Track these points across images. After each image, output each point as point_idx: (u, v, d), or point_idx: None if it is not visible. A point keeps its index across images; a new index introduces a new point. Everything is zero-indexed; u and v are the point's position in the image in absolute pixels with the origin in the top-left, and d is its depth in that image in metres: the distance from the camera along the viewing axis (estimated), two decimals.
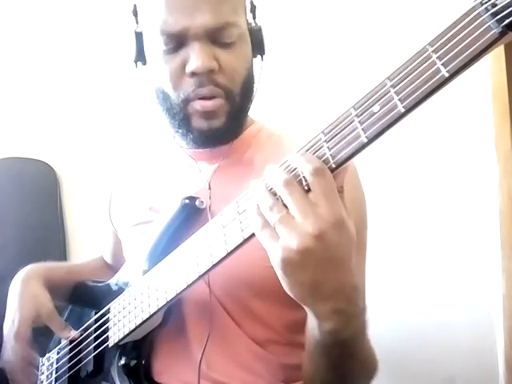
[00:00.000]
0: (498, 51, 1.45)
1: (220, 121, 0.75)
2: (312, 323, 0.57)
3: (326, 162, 0.49)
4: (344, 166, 0.49)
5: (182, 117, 0.76)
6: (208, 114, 0.74)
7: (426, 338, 1.48)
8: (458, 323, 1.46)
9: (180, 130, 0.78)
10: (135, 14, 0.80)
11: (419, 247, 1.50)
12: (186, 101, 0.74)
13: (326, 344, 0.58)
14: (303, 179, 0.49)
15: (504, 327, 1.41)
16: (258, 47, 0.79)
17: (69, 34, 1.90)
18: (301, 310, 0.80)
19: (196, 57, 0.70)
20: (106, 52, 1.85)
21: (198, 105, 0.74)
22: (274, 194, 0.51)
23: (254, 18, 0.80)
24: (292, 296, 0.52)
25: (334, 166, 0.48)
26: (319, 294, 0.51)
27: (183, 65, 0.72)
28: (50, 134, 1.91)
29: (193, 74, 0.72)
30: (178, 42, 0.72)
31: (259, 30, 0.79)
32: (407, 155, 1.52)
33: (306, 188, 0.49)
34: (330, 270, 0.49)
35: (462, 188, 1.47)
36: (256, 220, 0.51)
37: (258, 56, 0.81)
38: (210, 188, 0.81)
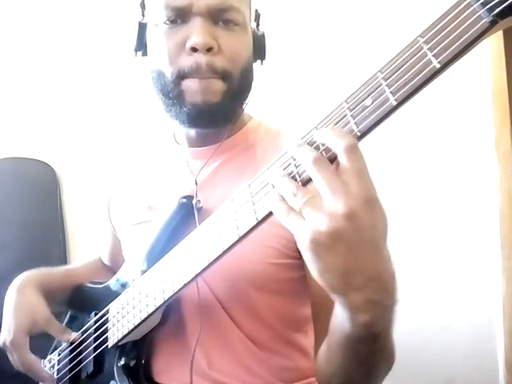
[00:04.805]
0: (498, 51, 1.45)
1: (216, 98, 0.74)
2: (342, 315, 0.51)
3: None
4: None
5: (175, 94, 0.74)
6: (203, 90, 0.73)
7: (425, 338, 1.48)
8: (458, 324, 1.45)
9: (173, 108, 0.76)
10: (143, 6, 0.81)
11: (419, 248, 1.50)
12: (181, 77, 0.73)
13: (358, 338, 0.52)
14: (323, 153, 0.47)
15: (504, 328, 1.40)
16: (259, 52, 0.81)
17: (69, 35, 1.90)
18: (302, 307, 0.80)
19: (197, 32, 0.71)
20: (106, 53, 1.86)
21: (194, 82, 0.73)
22: (294, 178, 0.49)
23: (258, 25, 0.83)
24: (322, 284, 0.48)
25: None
26: (352, 281, 0.46)
27: (183, 41, 0.72)
28: (50, 134, 1.92)
29: (192, 49, 0.72)
30: (180, 17, 0.73)
31: (262, 36, 0.81)
32: (407, 155, 1.52)
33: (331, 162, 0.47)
34: (363, 254, 0.45)
35: (462, 188, 1.47)
36: (279, 207, 0.48)
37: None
38: (196, 184, 0.80)
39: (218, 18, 0.73)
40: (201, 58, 0.71)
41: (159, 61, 0.75)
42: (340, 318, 0.52)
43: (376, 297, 0.47)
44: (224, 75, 0.73)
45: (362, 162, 0.45)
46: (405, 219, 1.51)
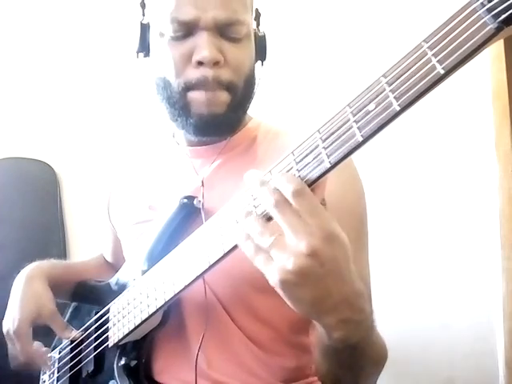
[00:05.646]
0: (499, 52, 1.45)
1: (221, 109, 0.75)
2: (320, 331, 0.57)
3: (321, 160, 0.48)
4: (336, 168, 0.48)
5: (181, 104, 0.76)
6: (209, 102, 0.74)
7: (426, 338, 1.48)
8: (458, 324, 1.45)
9: (179, 119, 0.78)
10: (143, 5, 0.81)
11: (419, 248, 1.50)
12: (187, 89, 0.74)
13: (336, 349, 0.58)
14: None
15: (504, 328, 1.40)
16: (260, 53, 0.82)
17: (69, 34, 1.90)
18: None
19: (204, 47, 0.72)
20: (106, 53, 1.86)
21: (200, 94, 0.74)
22: (262, 215, 0.51)
23: (258, 25, 0.83)
24: (297, 311, 0.53)
25: (329, 164, 0.48)
26: (322, 308, 0.51)
27: (190, 53, 0.73)
28: (50, 134, 1.92)
29: (199, 63, 0.73)
30: (187, 30, 0.73)
31: (263, 37, 0.82)
32: (407, 156, 1.52)
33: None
34: (329, 284, 0.49)
35: (462, 188, 1.47)
36: (247, 246, 0.51)
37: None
38: (203, 185, 0.80)
39: (224, 32, 0.74)
40: (207, 72, 0.73)
41: (165, 71, 0.76)
42: (319, 332, 0.58)
43: (346, 316, 0.52)
44: (229, 86, 0.75)
45: (312, 203, 0.48)
46: (405, 219, 1.51)
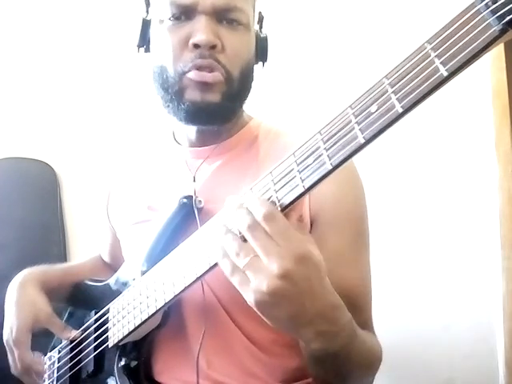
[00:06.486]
0: (498, 51, 1.44)
1: (215, 96, 0.74)
2: (300, 342, 0.60)
3: (323, 163, 0.48)
4: (338, 169, 0.48)
5: (175, 90, 0.75)
6: (204, 86, 0.74)
7: (426, 338, 1.48)
8: (458, 324, 1.45)
9: (171, 104, 0.77)
10: (147, 3, 0.81)
11: (419, 248, 1.50)
12: (183, 73, 0.74)
13: (317, 358, 0.60)
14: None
15: (504, 328, 1.40)
16: (261, 55, 0.82)
17: (69, 34, 1.90)
18: None
19: (201, 30, 0.72)
20: (106, 53, 1.85)
21: (196, 74, 0.73)
22: (240, 235, 0.52)
23: (261, 27, 0.83)
24: (274, 327, 0.55)
25: (330, 166, 0.47)
26: (298, 324, 0.54)
27: (187, 38, 0.73)
28: (50, 134, 1.91)
29: (195, 46, 0.72)
30: (185, 14, 0.74)
31: (265, 39, 0.82)
32: (407, 156, 1.52)
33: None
34: (303, 301, 0.51)
35: (462, 188, 1.47)
36: (225, 264, 0.52)
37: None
38: (194, 181, 0.81)
39: (222, 17, 0.74)
40: (204, 52, 0.72)
41: (162, 56, 0.76)
42: (300, 343, 0.61)
43: (323, 328, 0.54)
44: (225, 71, 0.74)
45: (282, 225, 0.50)
46: (405, 219, 1.51)
